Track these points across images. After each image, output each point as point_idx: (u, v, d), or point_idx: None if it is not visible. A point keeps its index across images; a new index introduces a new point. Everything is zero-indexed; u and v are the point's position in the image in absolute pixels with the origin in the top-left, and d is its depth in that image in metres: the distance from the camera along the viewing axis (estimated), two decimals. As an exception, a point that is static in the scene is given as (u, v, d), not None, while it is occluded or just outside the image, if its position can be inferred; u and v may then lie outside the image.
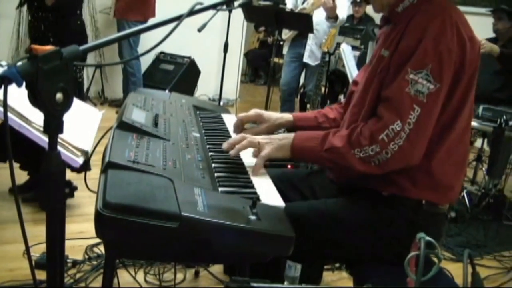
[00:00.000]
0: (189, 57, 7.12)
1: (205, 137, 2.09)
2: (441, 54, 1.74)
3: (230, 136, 2.20)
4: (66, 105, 1.24)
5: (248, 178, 1.76)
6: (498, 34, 5.19)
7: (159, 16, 6.47)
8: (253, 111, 2.29)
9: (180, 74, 6.95)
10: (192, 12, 1.51)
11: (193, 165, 1.70)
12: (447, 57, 1.75)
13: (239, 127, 2.26)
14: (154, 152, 1.67)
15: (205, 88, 7.78)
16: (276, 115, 2.30)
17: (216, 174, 1.72)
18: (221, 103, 6.37)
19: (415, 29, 1.79)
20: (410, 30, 1.81)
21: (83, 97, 4.17)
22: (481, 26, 5.09)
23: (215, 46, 7.52)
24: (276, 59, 6.53)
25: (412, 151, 1.77)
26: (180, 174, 1.57)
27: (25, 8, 5.21)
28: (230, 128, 2.29)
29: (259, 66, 11.18)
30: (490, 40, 5.27)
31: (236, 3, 1.75)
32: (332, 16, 5.45)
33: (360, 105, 1.97)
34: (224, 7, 1.68)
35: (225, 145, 1.93)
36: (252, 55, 10.89)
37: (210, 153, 1.92)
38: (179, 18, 1.50)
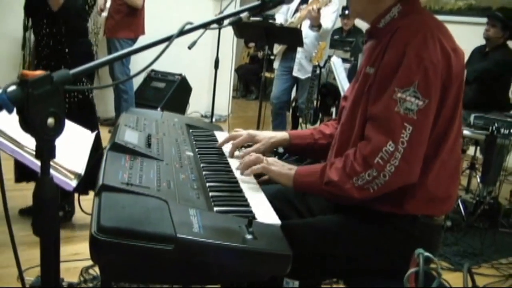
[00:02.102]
0: (180, 74, 7.13)
1: (198, 156, 2.08)
2: (426, 69, 1.74)
3: (223, 154, 2.20)
4: (57, 129, 1.23)
5: (243, 197, 1.75)
6: (488, 41, 5.22)
7: (148, 33, 6.50)
8: (246, 134, 2.28)
9: (172, 92, 6.96)
10: (182, 32, 1.51)
11: (188, 185, 1.69)
12: (433, 71, 1.75)
13: (225, 143, 2.27)
14: (148, 173, 1.66)
15: (197, 105, 7.79)
16: (271, 134, 2.30)
17: (210, 194, 1.71)
18: (214, 119, 6.38)
19: (397, 46, 1.79)
20: (392, 47, 1.81)
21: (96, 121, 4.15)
22: (468, 35, 5.16)
23: (206, 63, 7.52)
24: (267, 74, 6.55)
25: (409, 169, 1.76)
26: (175, 195, 1.56)
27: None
28: (223, 146, 2.28)
29: (250, 81, 11.20)
30: (480, 47, 5.32)
31: (225, 22, 1.75)
32: (315, 24, 5.50)
33: (350, 123, 1.96)
34: (214, 26, 1.68)
35: (241, 171, 1.96)
36: (243, 70, 10.91)
37: (204, 172, 1.90)
38: (169, 39, 1.50)
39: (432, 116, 1.79)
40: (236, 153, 2.23)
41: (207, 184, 1.79)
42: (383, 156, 1.74)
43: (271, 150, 2.28)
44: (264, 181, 2.02)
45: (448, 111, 1.84)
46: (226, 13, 1.75)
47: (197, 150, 2.16)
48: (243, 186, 1.85)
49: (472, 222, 4.47)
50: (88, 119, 3.68)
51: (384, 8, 1.95)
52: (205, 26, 1.62)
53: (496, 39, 5.17)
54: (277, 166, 1.97)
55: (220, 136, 2.44)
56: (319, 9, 5.38)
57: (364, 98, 1.89)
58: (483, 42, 5.34)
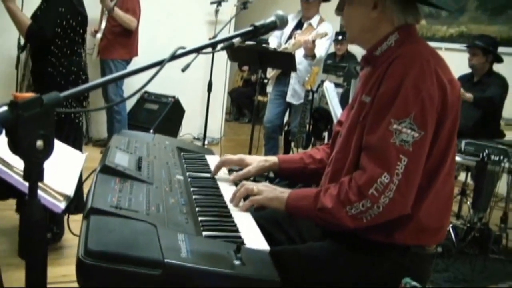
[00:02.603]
0: (173, 97, 7.13)
1: (189, 180, 2.07)
2: (422, 101, 1.74)
3: (214, 178, 2.19)
4: (46, 152, 1.23)
5: (232, 222, 1.74)
6: (474, 70, 5.29)
7: (141, 55, 6.53)
8: (237, 157, 2.29)
9: (165, 114, 6.95)
10: (174, 57, 1.51)
11: (177, 209, 1.68)
12: (429, 103, 1.75)
13: (219, 169, 2.26)
14: (137, 197, 1.66)
15: (190, 127, 7.79)
16: (260, 158, 2.30)
17: (200, 218, 1.70)
18: (206, 142, 6.38)
19: (394, 76, 1.79)
20: (390, 77, 1.81)
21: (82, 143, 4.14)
22: (459, 61, 5.21)
23: (199, 85, 7.54)
24: (260, 97, 6.57)
25: (403, 202, 1.75)
26: (164, 219, 1.55)
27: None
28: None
29: (243, 105, 11.22)
30: (467, 75, 5.37)
31: (218, 47, 1.75)
32: (310, 54, 5.53)
33: (344, 151, 1.96)
34: (207, 50, 1.69)
35: (231, 202, 1.94)
36: (236, 94, 10.93)
37: (194, 196, 1.89)
38: (161, 63, 1.50)
39: (427, 148, 1.79)
40: (226, 176, 2.23)
41: (197, 209, 1.78)
42: (377, 188, 1.73)
43: (261, 174, 2.28)
44: (257, 208, 2.00)
45: (442, 143, 1.84)
46: (220, 37, 1.76)
47: (187, 173, 2.15)
48: (232, 211, 1.85)
49: (462, 248, 4.47)
50: (73, 140, 3.69)
51: (381, 36, 1.96)
52: (197, 50, 1.62)
53: (481, 66, 5.24)
54: (267, 191, 1.95)
55: (211, 159, 2.44)
56: (314, 41, 5.41)
57: (360, 126, 1.89)
58: (473, 68, 5.40)
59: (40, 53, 3.72)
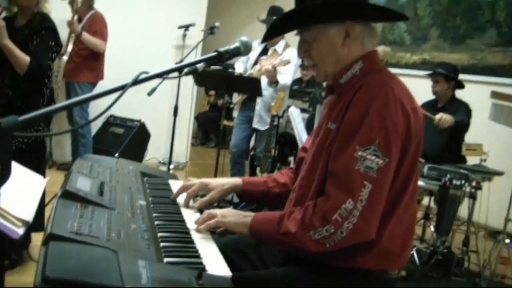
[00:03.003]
0: (139, 121, 7.09)
1: (151, 205, 2.05)
2: (387, 128, 1.76)
3: (177, 204, 2.18)
4: (3, 177, 1.21)
5: (194, 248, 1.73)
6: (438, 96, 5.39)
7: (107, 78, 6.50)
8: (199, 182, 2.26)
9: (130, 138, 6.90)
10: (137, 82, 1.51)
11: (138, 235, 1.67)
12: (394, 131, 1.77)
13: (179, 194, 2.24)
14: (98, 222, 1.63)
15: (156, 152, 7.74)
16: (224, 181, 2.29)
17: (161, 244, 1.68)
18: (172, 166, 6.35)
19: (360, 104, 1.81)
20: (355, 105, 1.82)
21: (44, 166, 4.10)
22: (423, 88, 5.30)
23: (165, 109, 7.53)
24: (226, 122, 6.57)
25: (367, 227, 1.76)
26: (125, 245, 1.53)
27: None
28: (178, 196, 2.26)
29: (209, 129, 11.20)
30: (431, 101, 5.46)
31: (183, 72, 1.75)
32: (272, 81, 5.56)
33: (309, 178, 1.97)
34: (171, 75, 1.69)
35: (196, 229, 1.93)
36: (203, 118, 10.93)
37: (156, 222, 1.88)
38: (124, 87, 1.50)
39: (392, 174, 1.81)
40: (191, 203, 2.21)
41: (159, 234, 1.76)
42: (341, 214, 1.74)
43: (225, 196, 2.28)
44: (221, 232, 1.99)
45: (406, 169, 1.86)
46: (186, 61, 1.76)
47: (150, 199, 2.13)
48: (195, 237, 1.83)
49: (426, 272, 4.50)
50: (37, 163, 3.65)
51: (345, 64, 1.98)
52: (161, 75, 1.62)
53: (444, 92, 5.34)
54: (232, 216, 1.96)
55: (175, 184, 2.42)
56: (275, 68, 5.45)
57: (325, 153, 1.90)
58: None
59: (33, 85, 3.71)
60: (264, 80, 5.59)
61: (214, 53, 1.84)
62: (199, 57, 1.81)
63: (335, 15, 1.95)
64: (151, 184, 2.35)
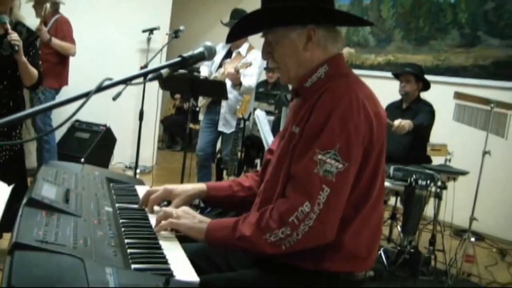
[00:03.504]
0: (104, 125, 7.04)
1: (118, 212, 2.04)
2: (348, 133, 1.78)
3: (143, 210, 2.16)
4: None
5: (162, 254, 1.72)
6: (405, 97, 5.41)
7: (72, 84, 6.43)
8: (162, 189, 2.23)
9: (96, 142, 6.85)
10: (100, 89, 1.51)
11: (105, 242, 1.66)
12: (355, 136, 1.79)
13: (145, 202, 2.21)
14: (64, 230, 1.62)
15: (122, 156, 7.69)
16: (188, 187, 2.27)
17: (129, 251, 1.68)
18: (138, 171, 6.31)
19: (323, 108, 1.83)
20: (318, 109, 1.84)
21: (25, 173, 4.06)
22: (387, 88, 5.36)
23: (131, 113, 7.49)
24: (192, 125, 6.55)
25: (323, 230, 1.78)
26: (91, 253, 1.53)
27: None
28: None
29: (176, 132, 11.16)
30: (396, 102, 5.52)
31: (148, 77, 1.76)
32: (236, 83, 5.56)
33: (273, 181, 1.98)
34: (135, 81, 1.69)
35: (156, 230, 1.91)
36: (169, 122, 10.88)
37: (122, 229, 1.87)
38: (87, 94, 1.50)
39: (352, 179, 1.82)
40: (156, 208, 2.20)
41: (125, 241, 1.76)
42: (298, 216, 1.76)
43: (190, 202, 2.26)
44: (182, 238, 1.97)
45: (369, 174, 1.88)
46: (151, 65, 1.77)
47: (116, 205, 2.13)
48: (162, 242, 1.83)
49: (394, 271, 4.55)
50: (18, 172, 3.66)
51: (309, 68, 1.99)
52: (125, 82, 1.63)
53: (413, 93, 5.37)
54: (187, 219, 1.94)
55: (141, 190, 2.40)
56: (237, 70, 5.46)
57: (289, 157, 1.91)
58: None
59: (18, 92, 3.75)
60: (229, 83, 5.59)
61: (178, 59, 1.85)
62: (164, 61, 1.82)
63: (296, 19, 1.96)
64: (117, 190, 2.34)
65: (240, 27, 2.12)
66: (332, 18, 2.03)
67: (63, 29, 6.29)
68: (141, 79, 1.75)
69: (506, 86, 6.35)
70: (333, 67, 1.98)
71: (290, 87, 2.59)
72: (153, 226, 1.97)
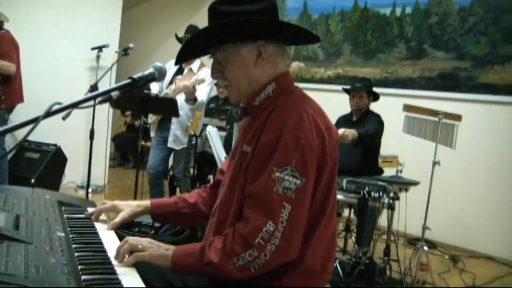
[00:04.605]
0: (55, 145, 6.91)
1: (70, 236, 2.00)
2: (303, 149, 1.79)
3: (96, 233, 2.12)
4: None
5: (117, 279, 1.67)
6: (356, 111, 5.49)
7: (27, 101, 6.28)
8: (110, 204, 2.30)
9: (46, 162, 6.71)
10: (49, 113, 1.49)
11: (58, 269, 1.61)
12: (309, 151, 1.80)
13: (97, 218, 2.26)
14: (15, 259, 1.58)
15: (73, 175, 7.59)
16: (133, 204, 2.31)
17: (83, 277, 1.63)
18: (90, 190, 6.23)
19: (274, 126, 1.83)
20: (269, 127, 1.84)
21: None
22: (337, 101, 5.42)
23: (82, 132, 7.38)
24: (143, 143, 6.50)
25: (289, 247, 1.79)
26: (44, 282, 1.48)
27: None
28: (97, 224, 2.22)
29: (127, 150, 11.05)
30: (346, 115, 5.59)
31: (97, 100, 1.74)
32: (191, 98, 5.53)
33: (228, 202, 1.97)
34: (85, 104, 1.67)
35: (118, 261, 1.85)
36: (120, 139, 10.78)
37: (76, 254, 1.83)
38: (36, 120, 1.47)
39: (310, 194, 1.83)
40: (102, 217, 2.27)
41: (79, 267, 1.72)
42: (263, 236, 1.75)
43: (136, 218, 2.30)
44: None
45: (323, 189, 1.89)
46: (101, 83, 1.77)
47: (69, 229, 2.08)
48: (117, 267, 1.79)
49: (350, 283, 4.57)
50: None
51: (258, 85, 2.00)
52: (74, 106, 1.61)
53: (364, 107, 5.48)
54: (152, 248, 1.91)
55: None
56: (194, 85, 5.45)
57: (242, 177, 1.91)
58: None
59: None
60: (180, 99, 5.57)
61: (128, 80, 1.84)
62: (113, 79, 1.81)
63: (246, 34, 1.96)
64: (69, 214, 2.30)
65: (190, 47, 2.11)
66: (283, 31, 2.04)
67: (3, 47, 6.00)
68: (91, 102, 1.73)
69: (452, 97, 6.52)
70: (280, 84, 1.99)
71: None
72: (107, 249, 1.93)
